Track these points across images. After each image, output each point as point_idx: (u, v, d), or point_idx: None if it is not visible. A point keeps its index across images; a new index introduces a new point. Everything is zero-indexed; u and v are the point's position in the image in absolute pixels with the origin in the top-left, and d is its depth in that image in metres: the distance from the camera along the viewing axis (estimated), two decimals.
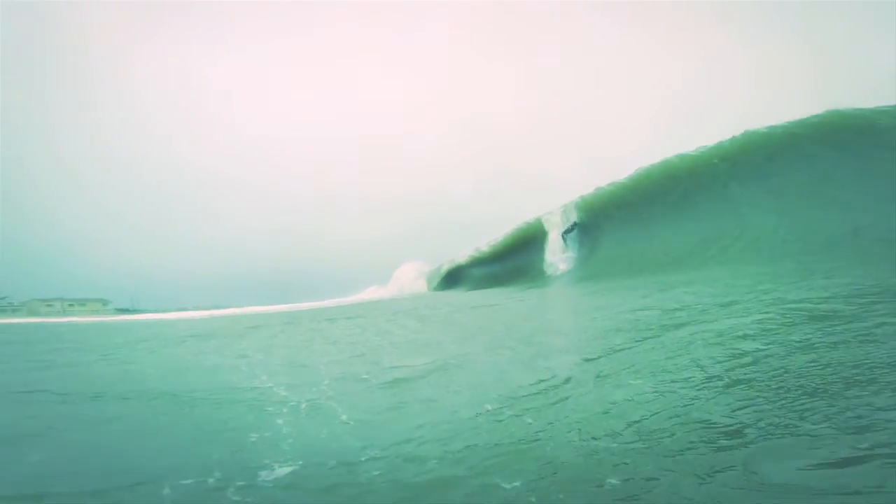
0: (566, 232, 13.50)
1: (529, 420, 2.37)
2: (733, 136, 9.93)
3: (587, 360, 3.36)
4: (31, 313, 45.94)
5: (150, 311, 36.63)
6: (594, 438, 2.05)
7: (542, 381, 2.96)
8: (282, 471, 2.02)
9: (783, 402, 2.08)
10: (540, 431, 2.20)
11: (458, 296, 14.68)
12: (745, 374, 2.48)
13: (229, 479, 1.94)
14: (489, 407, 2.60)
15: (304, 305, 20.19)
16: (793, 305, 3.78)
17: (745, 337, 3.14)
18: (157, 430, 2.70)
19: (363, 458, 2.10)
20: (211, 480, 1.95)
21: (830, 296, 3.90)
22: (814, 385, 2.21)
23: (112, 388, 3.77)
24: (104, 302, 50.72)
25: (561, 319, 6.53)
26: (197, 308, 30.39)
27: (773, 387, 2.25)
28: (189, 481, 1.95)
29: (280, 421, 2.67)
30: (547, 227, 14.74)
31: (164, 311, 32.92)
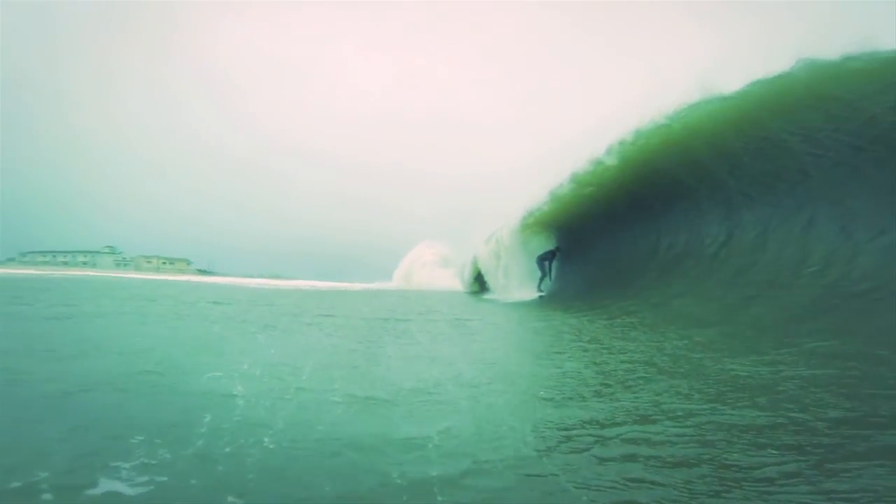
0: (543, 259, 10.45)
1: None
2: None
3: None
4: (137, 268, 53.29)
5: (220, 274, 40.09)
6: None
7: None
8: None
9: None
10: None
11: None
12: None
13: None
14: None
15: (357, 286, 20.04)
16: None
17: None
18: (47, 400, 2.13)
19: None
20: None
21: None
22: None
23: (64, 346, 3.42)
24: (188, 262, 57.59)
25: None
26: (260, 276, 32.49)
27: None
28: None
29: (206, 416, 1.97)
30: (480, 265, 12.13)
31: (232, 275, 35.75)
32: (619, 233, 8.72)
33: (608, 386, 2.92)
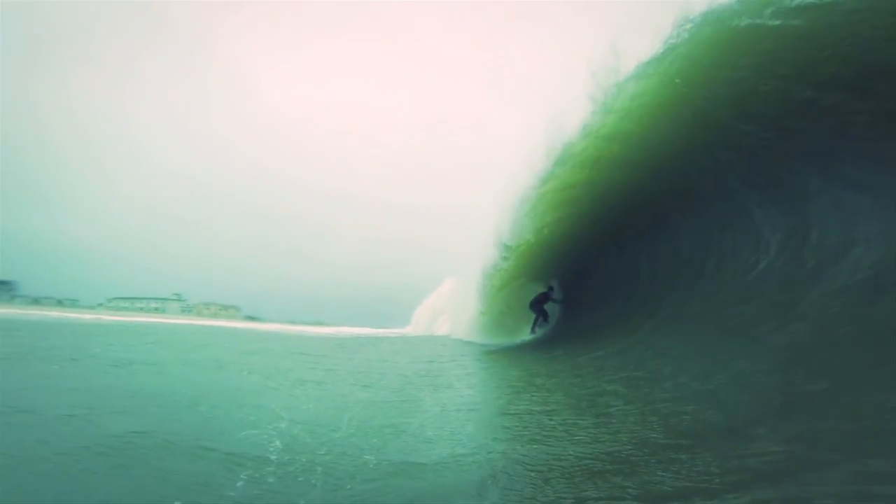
0: (535, 302, 9.77)
1: None
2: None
3: None
4: (198, 314, 57.53)
5: (266, 320, 42.04)
6: None
7: None
8: None
9: None
10: None
11: None
12: None
13: None
14: None
15: (394, 331, 20.01)
16: None
17: None
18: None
19: None
20: None
21: None
22: None
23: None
24: (237, 308, 62.19)
25: None
26: (302, 322, 33.74)
27: None
28: None
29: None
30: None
31: (276, 321, 37.45)
32: (613, 254, 8.31)
33: (656, 433, 2.55)
